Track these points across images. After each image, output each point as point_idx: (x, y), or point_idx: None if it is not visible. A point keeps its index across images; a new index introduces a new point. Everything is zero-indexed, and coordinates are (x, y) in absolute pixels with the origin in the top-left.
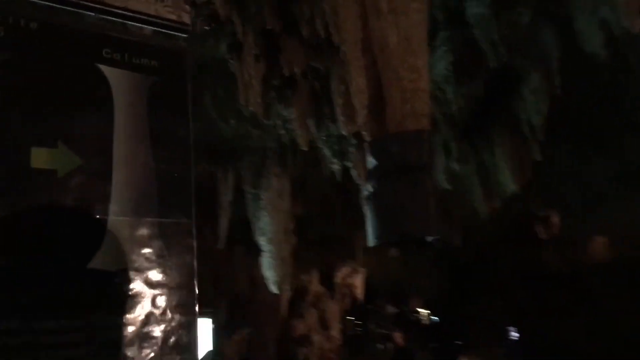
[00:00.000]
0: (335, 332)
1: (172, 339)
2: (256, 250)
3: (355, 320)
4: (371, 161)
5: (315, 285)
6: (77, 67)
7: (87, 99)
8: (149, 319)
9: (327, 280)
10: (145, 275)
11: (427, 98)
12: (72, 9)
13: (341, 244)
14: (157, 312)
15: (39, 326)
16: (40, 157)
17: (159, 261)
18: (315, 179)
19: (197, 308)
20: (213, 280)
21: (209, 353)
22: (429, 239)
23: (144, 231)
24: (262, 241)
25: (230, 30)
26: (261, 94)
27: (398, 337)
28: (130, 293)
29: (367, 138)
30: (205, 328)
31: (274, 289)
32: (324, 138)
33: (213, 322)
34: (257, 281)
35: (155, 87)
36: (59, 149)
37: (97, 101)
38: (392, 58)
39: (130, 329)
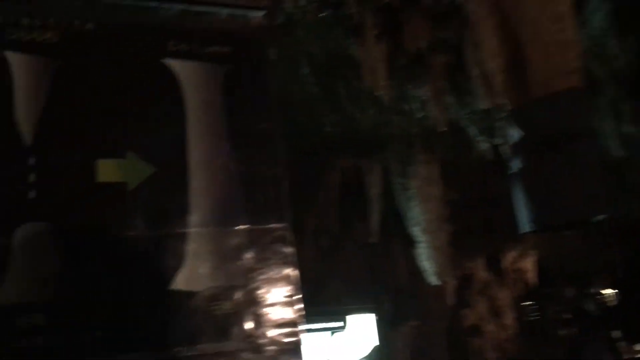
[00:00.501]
0: (508, 320)
1: None
2: (412, 242)
3: (531, 306)
4: (516, 133)
5: (481, 272)
6: (140, 66)
7: (155, 99)
8: (246, 344)
9: (494, 267)
10: (237, 292)
11: (576, 50)
12: (130, 2)
13: (506, 226)
14: (255, 334)
15: None
16: (107, 170)
17: (253, 275)
18: (469, 160)
19: (301, 328)
20: (372, 274)
21: (375, 348)
22: (599, 217)
23: (232, 242)
24: (417, 231)
25: (346, 13)
26: (388, 76)
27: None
28: (220, 315)
29: (508, 107)
30: (369, 323)
31: (433, 279)
32: (467, 115)
33: (377, 317)
34: (418, 272)
35: (230, 77)
36: (127, 159)
37: (166, 100)
38: (528, 8)
39: (226, 357)
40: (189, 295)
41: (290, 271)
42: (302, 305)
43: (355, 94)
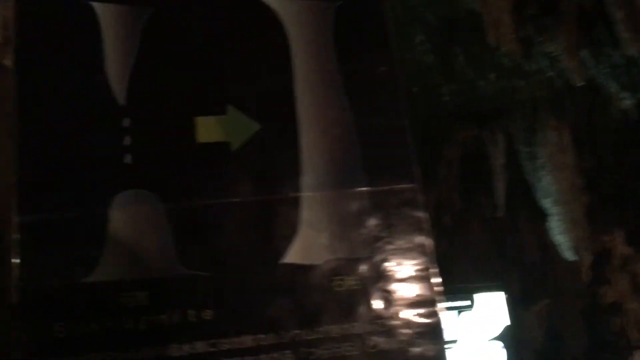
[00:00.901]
0: None
1: (412, 351)
2: (543, 215)
3: None
4: None
5: (621, 246)
6: (238, 8)
7: (256, 45)
8: (374, 326)
9: (635, 240)
10: (361, 266)
11: None
12: None
13: None
14: (385, 315)
15: (228, 346)
16: (207, 129)
17: (378, 244)
18: (605, 123)
19: (439, 306)
20: (499, 251)
21: (506, 328)
22: None
23: (352, 206)
24: (547, 203)
25: None
26: (514, 29)
27: None
28: (343, 292)
29: None
30: (498, 302)
31: (569, 254)
32: (607, 70)
33: (506, 295)
34: (550, 247)
35: (342, 14)
36: (229, 115)
37: (268, 46)
38: None
39: (352, 342)
40: (305, 269)
41: (423, 239)
42: (439, 280)
43: (475, 58)
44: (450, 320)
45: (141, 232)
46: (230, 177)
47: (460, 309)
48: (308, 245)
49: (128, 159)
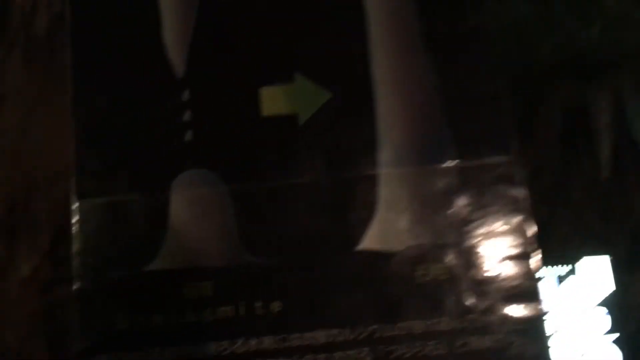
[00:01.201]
0: None
1: (509, 351)
2: None
3: None
4: None
5: None
6: None
7: (325, 5)
8: (464, 322)
9: None
10: (448, 252)
11: None
12: None
13: None
14: (477, 309)
15: (299, 342)
16: (273, 100)
17: (468, 227)
18: None
19: (543, 302)
20: (604, 214)
21: (611, 294)
22: None
23: (437, 184)
24: None
25: None
26: None
27: None
28: (428, 283)
29: None
30: (602, 268)
31: None
32: None
33: (611, 260)
34: None
35: None
36: (296, 84)
37: (339, 3)
38: None
39: (437, 339)
40: (384, 256)
41: (521, 220)
42: (541, 269)
43: (578, 6)
44: (550, 288)
45: (203, 216)
46: (299, 154)
47: (561, 277)
48: (387, 230)
49: (188, 135)
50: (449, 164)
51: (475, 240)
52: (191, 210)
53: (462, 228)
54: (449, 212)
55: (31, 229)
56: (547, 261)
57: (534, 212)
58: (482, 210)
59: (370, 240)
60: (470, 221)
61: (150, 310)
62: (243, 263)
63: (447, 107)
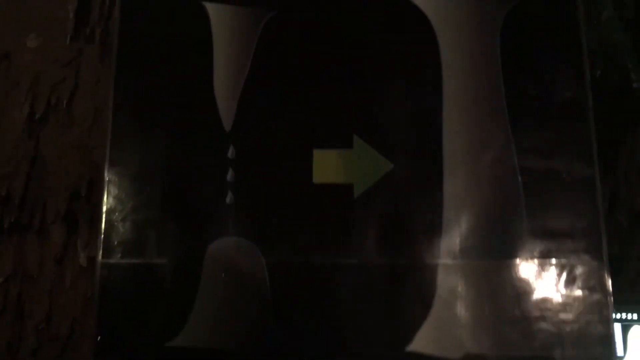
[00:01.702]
0: None
1: None
2: None
3: None
4: None
5: None
6: (380, 10)
7: (395, 59)
8: None
9: None
10: None
11: None
12: None
13: None
14: None
15: None
16: (326, 166)
17: (543, 339)
18: None
19: None
20: None
21: None
22: None
23: (509, 283)
24: None
25: None
26: None
27: None
28: None
29: None
30: None
31: None
32: None
33: None
34: None
35: (515, 19)
36: (355, 149)
37: (411, 60)
38: None
39: None
40: None
41: (606, 338)
42: None
43: None
44: (616, 334)
45: (236, 291)
46: (351, 230)
47: (628, 322)
48: (443, 331)
49: (229, 198)
50: (526, 259)
51: (552, 355)
52: (224, 282)
53: (535, 340)
54: (519, 317)
55: (91, 219)
56: (616, 305)
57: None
58: (562, 318)
59: (422, 341)
60: (544, 332)
61: None
62: (274, 348)
63: (528, 191)
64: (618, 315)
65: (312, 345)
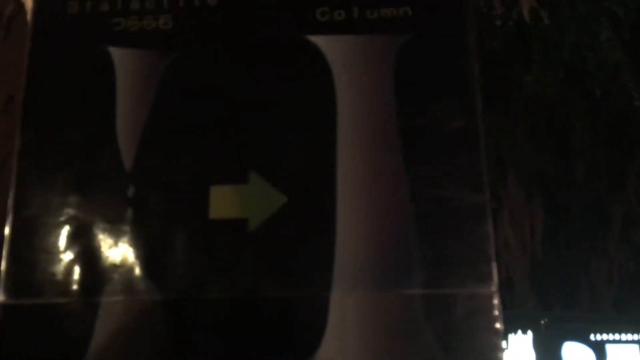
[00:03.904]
0: None
1: None
2: None
3: None
4: None
5: None
6: (276, 49)
7: (291, 95)
8: None
9: None
10: None
11: None
12: None
13: None
14: None
15: None
16: (222, 201)
17: None
18: None
19: None
20: None
21: None
22: None
23: (399, 314)
24: None
25: None
26: None
27: None
28: None
29: None
30: None
31: None
32: None
33: None
34: None
35: (407, 52)
36: (250, 184)
37: (306, 96)
38: None
39: None
40: None
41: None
42: None
43: None
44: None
45: (131, 330)
46: (245, 265)
47: None
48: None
49: (126, 237)
50: (415, 291)
51: None
52: (119, 321)
53: None
54: (409, 349)
55: None
56: (629, 327)
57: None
58: (450, 351)
59: None
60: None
61: None
62: None
63: (419, 223)
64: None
65: None
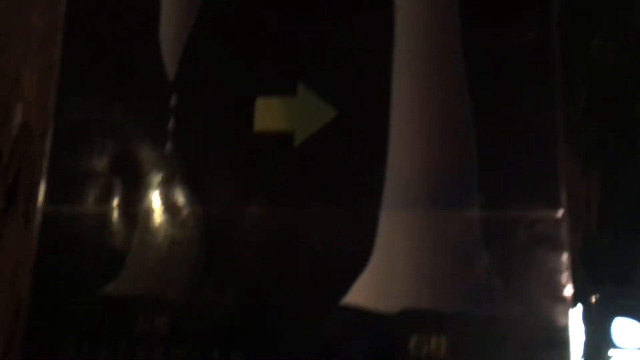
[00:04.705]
0: None
1: None
2: None
3: None
4: None
5: None
6: None
7: (346, 3)
8: None
9: None
10: (456, 324)
11: None
12: None
13: None
14: None
15: None
16: (268, 113)
17: (489, 295)
18: None
19: None
20: None
21: None
22: None
23: (454, 236)
24: None
25: None
26: None
27: None
28: (420, 358)
29: None
30: None
31: None
32: None
33: None
34: None
35: None
36: (298, 97)
37: (363, 5)
38: None
39: None
40: (372, 317)
41: (560, 298)
42: None
43: None
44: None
45: (171, 239)
46: (288, 179)
47: None
48: (380, 284)
49: (169, 146)
50: (473, 212)
51: (497, 314)
52: (159, 229)
53: (481, 295)
54: (465, 273)
55: (25, 185)
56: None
57: (579, 289)
58: (511, 275)
59: (357, 294)
60: (492, 288)
61: (98, 339)
62: (205, 301)
63: (480, 142)
64: None
65: (239, 296)
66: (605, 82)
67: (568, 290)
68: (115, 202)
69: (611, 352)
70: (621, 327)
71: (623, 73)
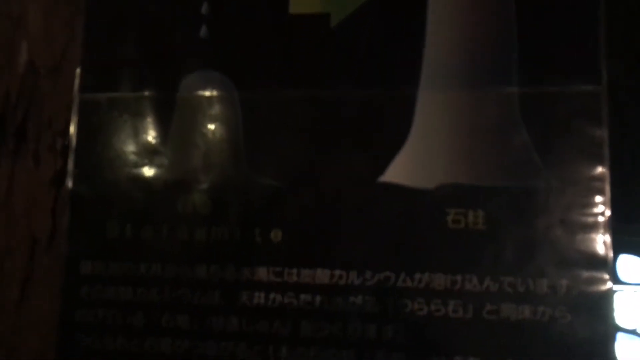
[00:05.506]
0: None
1: (556, 327)
2: None
3: None
4: None
5: None
6: None
7: None
8: (500, 284)
9: None
10: (492, 198)
11: None
12: None
13: None
14: (520, 272)
15: (296, 278)
16: None
17: (525, 170)
18: None
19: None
20: None
21: None
22: None
23: (490, 113)
24: None
25: None
26: None
27: None
28: (458, 230)
29: None
30: None
31: None
32: None
33: None
34: None
35: None
36: None
37: None
38: None
39: (462, 300)
40: (411, 193)
41: (598, 169)
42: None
43: None
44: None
45: (208, 122)
46: (326, 62)
47: None
48: (418, 162)
49: (203, 31)
50: (510, 89)
51: (531, 188)
52: (196, 114)
53: (516, 170)
54: (501, 148)
55: (34, 124)
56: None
57: (615, 162)
58: (547, 150)
59: (396, 172)
60: (528, 162)
61: (141, 221)
62: (244, 182)
63: (521, 17)
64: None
65: (278, 177)
66: None
67: (606, 163)
68: (153, 87)
69: (616, 287)
70: (626, 263)
71: None
